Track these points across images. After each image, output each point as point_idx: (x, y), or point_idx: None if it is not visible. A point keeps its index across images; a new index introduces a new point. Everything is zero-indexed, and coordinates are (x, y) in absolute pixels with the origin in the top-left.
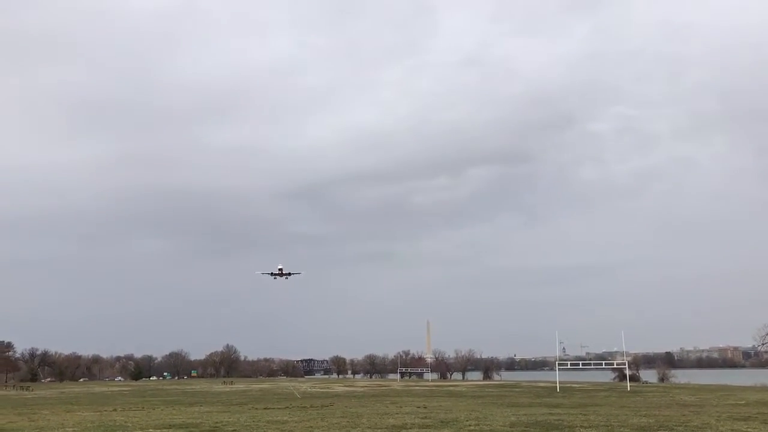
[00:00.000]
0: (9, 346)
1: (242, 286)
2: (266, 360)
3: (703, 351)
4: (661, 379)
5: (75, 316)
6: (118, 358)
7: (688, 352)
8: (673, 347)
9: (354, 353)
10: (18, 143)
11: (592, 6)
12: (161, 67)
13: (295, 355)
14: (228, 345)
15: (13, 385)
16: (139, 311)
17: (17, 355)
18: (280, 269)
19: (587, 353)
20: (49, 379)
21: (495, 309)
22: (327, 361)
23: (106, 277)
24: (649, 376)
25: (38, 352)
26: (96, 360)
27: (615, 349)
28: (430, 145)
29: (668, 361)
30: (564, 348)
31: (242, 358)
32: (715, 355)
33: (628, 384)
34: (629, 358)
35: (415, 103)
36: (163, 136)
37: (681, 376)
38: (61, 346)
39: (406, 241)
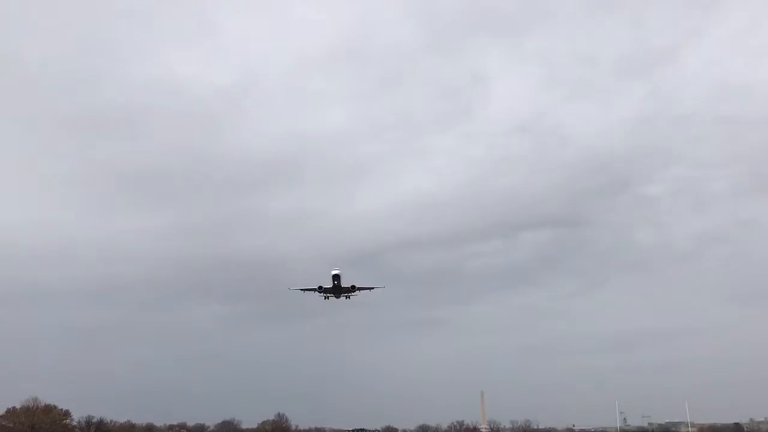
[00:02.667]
0: (66, 414)
1: (295, 352)
2: (317, 429)
3: None
4: None
5: (130, 383)
6: (171, 427)
7: (759, 423)
8: (743, 418)
9: (406, 422)
10: (83, 214)
11: (646, 70)
12: (221, 139)
13: (346, 424)
14: (279, 413)
15: None
16: (192, 378)
17: (74, 423)
18: (336, 276)
19: (649, 423)
20: None
21: (551, 376)
22: (379, 430)
23: (161, 344)
24: None
25: (94, 420)
26: (149, 428)
27: (679, 420)
28: (483, 210)
29: None
30: (625, 418)
31: (293, 427)
32: None
33: None
34: (695, 430)
35: (469, 169)
36: (222, 205)
37: None
38: (116, 413)
39: (459, 306)
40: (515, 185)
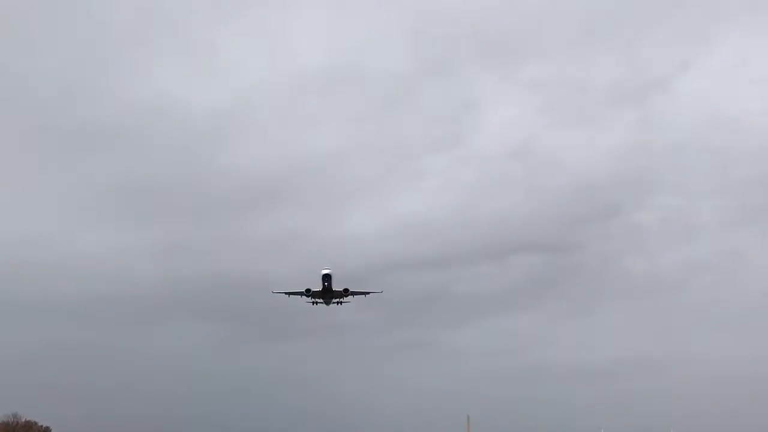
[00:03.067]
0: (47, 431)
1: (283, 373)
2: None
3: None
4: None
5: (113, 401)
6: None
7: None
8: None
9: None
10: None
11: (638, 99)
12: (214, 159)
13: None
14: None
15: None
16: (182, 398)
17: None
18: (326, 277)
19: None
20: None
21: (538, 403)
22: None
23: (144, 363)
24: None
25: None
26: None
27: None
28: (474, 233)
29: None
30: None
31: None
32: None
33: None
34: None
35: (461, 193)
36: (212, 225)
37: None
38: (98, 431)
39: (447, 330)
40: (506, 209)
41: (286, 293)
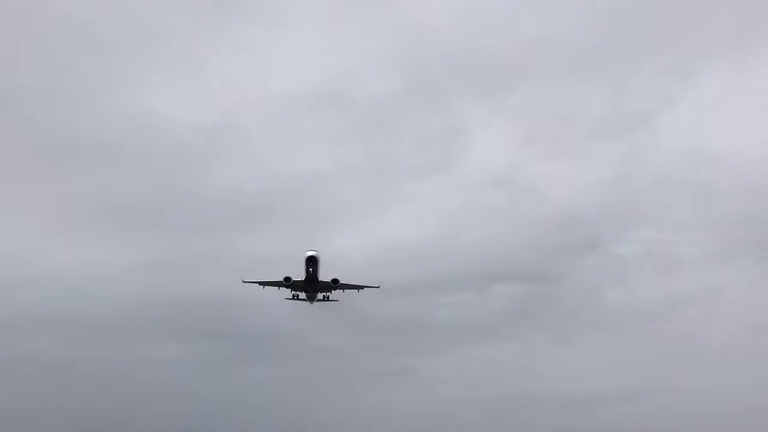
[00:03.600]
0: None
1: (257, 398)
2: None
3: None
4: None
5: (86, 420)
6: None
7: None
8: None
9: None
10: (56, 245)
11: (622, 133)
12: (199, 178)
13: None
14: None
15: None
16: (157, 418)
17: None
18: (311, 260)
19: None
20: None
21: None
22: None
23: (119, 381)
24: None
25: None
26: None
27: None
28: (456, 260)
29: None
30: None
31: None
32: None
33: None
34: None
35: (444, 219)
36: (194, 244)
37: None
38: None
39: (427, 357)
40: (489, 237)
41: (260, 283)
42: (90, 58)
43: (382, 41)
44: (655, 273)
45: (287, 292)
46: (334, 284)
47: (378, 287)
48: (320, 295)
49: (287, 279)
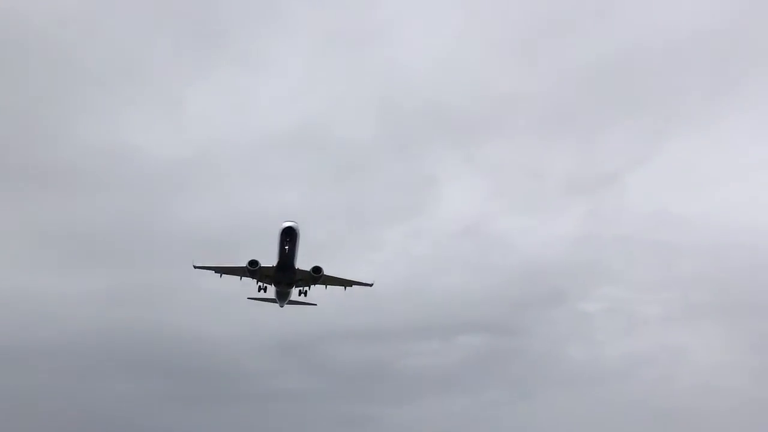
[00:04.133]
0: None
1: None
2: None
3: None
4: None
5: None
6: None
7: None
8: None
9: None
10: (14, 271)
11: (590, 191)
12: (168, 212)
13: None
14: None
15: None
16: None
17: None
18: (288, 233)
19: None
20: None
21: None
22: None
23: (69, 415)
24: None
25: None
26: None
27: None
28: (423, 309)
29: None
30: None
31: None
32: None
33: None
34: None
35: (413, 266)
36: (157, 278)
37: None
38: None
39: (389, 406)
40: (456, 287)
41: (216, 270)
42: (67, 86)
43: (361, 87)
44: (618, 331)
45: (251, 286)
46: (316, 274)
47: (371, 285)
48: (295, 291)
49: (252, 263)
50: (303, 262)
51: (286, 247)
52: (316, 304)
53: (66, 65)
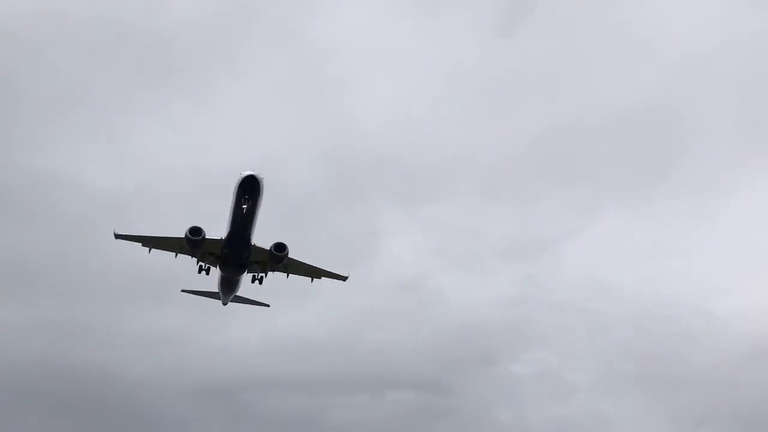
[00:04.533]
0: None
1: None
2: None
3: None
4: None
5: None
6: None
7: None
8: None
9: None
10: None
11: (527, 256)
12: (102, 245)
13: None
14: None
15: None
16: None
17: None
18: (248, 185)
19: None
20: None
21: None
22: None
23: None
24: None
25: None
26: None
27: None
28: (356, 361)
29: None
30: None
31: None
32: None
33: None
34: None
35: (348, 318)
36: (88, 311)
37: None
38: None
39: None
40: (390, 342)
41: (144, 240)
42: (7, 112)
43: (311, 135)
44: (546, 396)
45: (189, 266)
46: (279, 252)
47: (345, 278)
48: (248, 279)
49: (194, 231)
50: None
51: (244, 207)
52: (268, 305)
53: (6, 90)
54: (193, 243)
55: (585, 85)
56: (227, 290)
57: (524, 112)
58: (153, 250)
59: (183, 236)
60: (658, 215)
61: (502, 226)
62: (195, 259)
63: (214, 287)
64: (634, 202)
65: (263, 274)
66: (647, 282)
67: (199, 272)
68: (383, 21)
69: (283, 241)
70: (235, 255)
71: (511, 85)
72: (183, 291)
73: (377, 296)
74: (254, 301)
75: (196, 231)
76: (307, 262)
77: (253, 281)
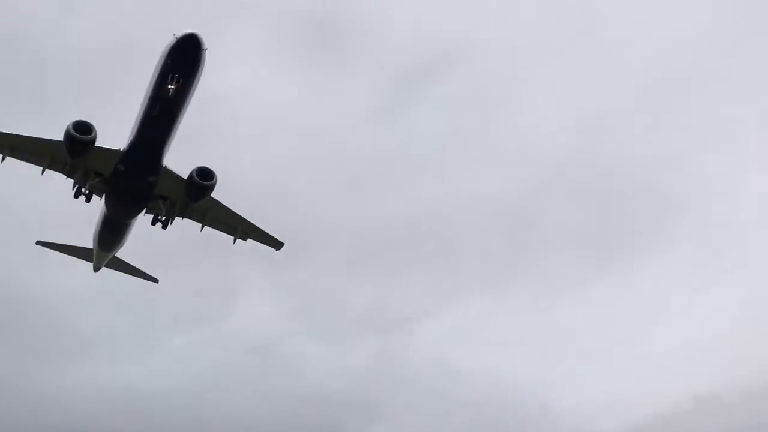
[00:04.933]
0: None
1: None
2: None
3: None
4: None
5: None
6: None
7: None
8: None
9: None
10: None
11: (383, 331)
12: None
13: None
14: None
15: None
16: None
17: None
18: (188, 44)
19: None
20: None
21: None
22: None
23: None
24: None
25: None
26: None
27: None
28: (195, 424)
29: None
30: None
31: None
32: None
33: None
34: None
35: (192, 376)
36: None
37: None
38: None
39: None
40: (234, 406)
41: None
42: None
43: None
44: None
45: (62, 189)
46: (204, 181)
47: (279, 247)
48: (146, 221)
49: (80, 128)
50: None
51: (169, 93)
52: (157, 281)
53: None
54: (77, 147)
55: (447, 176)
56: (108, 242)
57: (399, 190)
58: (7, 159)
59: (63, 138)
60: (514, 304)
61: (363, 298)
62: (71, 180)
63: (87, 241)
64: (490, 289)
65: (170, 220)
66: (493, 369)
67: (76, 196)
68: (270, 81)
69: (209, 166)
70: (135, 179)
71: (387, 165)
72: (39, 243)
73: (224, 357)
74: (140, 271)
75: (82, 128)
76: (235, 211)
77: (153, 223)
